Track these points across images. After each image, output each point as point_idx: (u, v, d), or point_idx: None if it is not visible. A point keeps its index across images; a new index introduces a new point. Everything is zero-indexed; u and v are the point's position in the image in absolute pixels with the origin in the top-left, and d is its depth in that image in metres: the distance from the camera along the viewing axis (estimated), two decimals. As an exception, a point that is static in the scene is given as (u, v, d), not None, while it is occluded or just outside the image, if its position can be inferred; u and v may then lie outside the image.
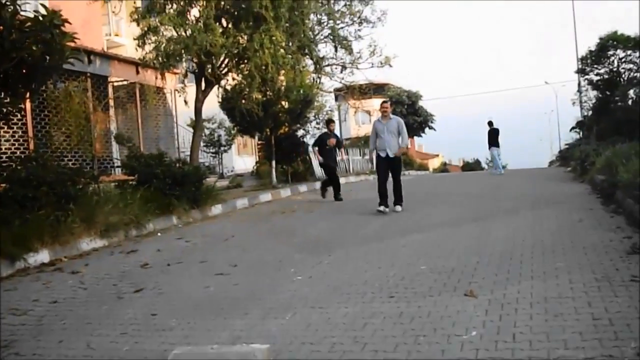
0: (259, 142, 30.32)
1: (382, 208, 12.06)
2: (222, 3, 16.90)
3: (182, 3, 16.24)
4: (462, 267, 6.73)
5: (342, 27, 25.38)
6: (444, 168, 52.65)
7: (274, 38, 16.10)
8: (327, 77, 26.34)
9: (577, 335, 4.32)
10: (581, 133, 29.14)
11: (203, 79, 17.98)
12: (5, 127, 12.93)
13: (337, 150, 16.87)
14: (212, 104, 20.48)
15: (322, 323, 5.15)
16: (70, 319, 5.85)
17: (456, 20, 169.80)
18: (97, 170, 14.99)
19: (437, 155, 63.42)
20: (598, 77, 24.34)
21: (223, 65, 18.04)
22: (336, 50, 25.51)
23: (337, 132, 27.54)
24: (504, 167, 26.51)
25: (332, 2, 24.93)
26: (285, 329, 5.11)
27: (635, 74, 23.33)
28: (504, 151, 24.79)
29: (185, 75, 18.99)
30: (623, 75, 23.51)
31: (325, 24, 24.75)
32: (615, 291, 5.28)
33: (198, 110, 18.10)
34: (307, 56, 20.94)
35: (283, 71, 18.57)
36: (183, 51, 16.06)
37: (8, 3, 8.82)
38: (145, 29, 16.10)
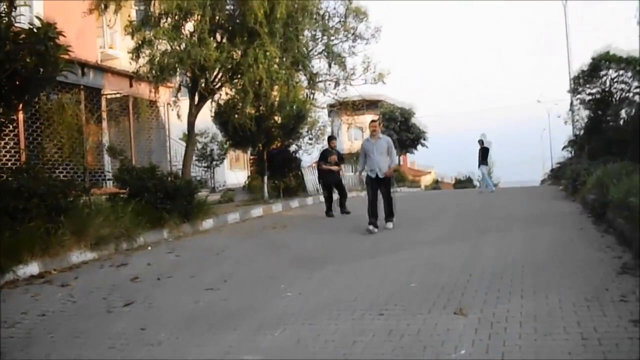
0: (251, 157, 30.32)
1: (371, 228, 11.91)
2: (217, 18, 16.97)
3: (176, 17, 16.28)
4: (453, 284, 6.73)
5: (336, 43, 25.47)
6: (436, 185, 52.70)
7: (268, 53, 16.15)
8: (320, 92, 26.38)
9: (566, 355, 4.33)
10: (573, 152, 29.20)
11: (196, 93, 18.02)
12: (-3, 138, 12.90)
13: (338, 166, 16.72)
14: (205, 118, 20.50)
15: (312, 339, 5.14)
16: (59, 332, 5.82)
17: (450, 38, 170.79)
18: (88, 183, 14.96)
19: (430, 172, 63.50)
20: (590, 97, 24.43)
21: (217, 80, 18.09)
22: (330, 66, 25.57)
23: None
24: (495, 185, 26.52)
25: (326, 18, 25.03)
26: (275, 344, 5.10)
27: (627, 94, 23.42)
28: (496, 169, 24.87)
29: (179, 89, 19.01)
30: (615, 95, 23.59)
31: (319, 39, 24.83)
32: (604, 311, 5.29)
33: (191, 124, 18.11)
34: (301, 71, 20.99)
35: (276, 86, 18.60)
36: (177, 65, 16.11)
37: (3, 15, 8.84)
38: (140, 42, 16.14)
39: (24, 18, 9.96)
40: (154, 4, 16.32)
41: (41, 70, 9.03)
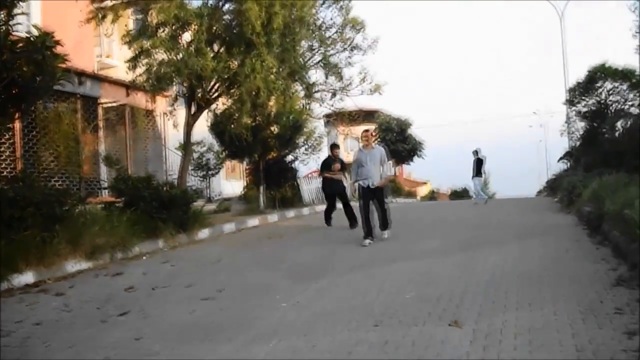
0: (248, 167, 30.32)
1: (367, 242, 11.77)
2: (214, 28, 17.02)
3: (174, 27, 16.33)
4: (448, 296, 6.73)
5: (333, 54, 25.57)
6: (432, 196, 52.71)
7: (265, 63, 16.19)
8: (317, 103, 26.46)
9: (560, 367, 4.33)
10: (569, 163, 29.29)
11: (193, 103, 18.05)
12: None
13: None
14: (201, 128, 20.51)
15: (307, 350, 5.14)
16: (54, 341, 5.81)
17: (447, 49, 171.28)
18: (84, 192, 14.97)
19: (426, 183, 63.49)
20: (586, 109, 24.52)
21: (214, 90, 18.13)
22: (327, 77, 25.68)
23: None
24: (491, 197, 26.52)
25: (323, 28, 25.12)
26: (271, 355, 5.10)
27: (623, 106, 23.52)
28: (492, 181, 24.91)
29: (176, 99, 19.04)
30: (611, 107, 23.69)
31: (316, 50, 24.92)
32: (599, 323, 5.30)
33: (187, 134, 18.13)
34: (298, 82, 21.05)
35: (273, 96, 18.63)
36: (174, 74, 16.13)
37: (1, 23, 8.86)
38: (137, 51, 16.17)
39: (22, 27, 9.97)
40: (152, 14, 16.37)
41: (38, 79, 9.05)
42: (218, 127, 19.68)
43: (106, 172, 17.74)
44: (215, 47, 17.44)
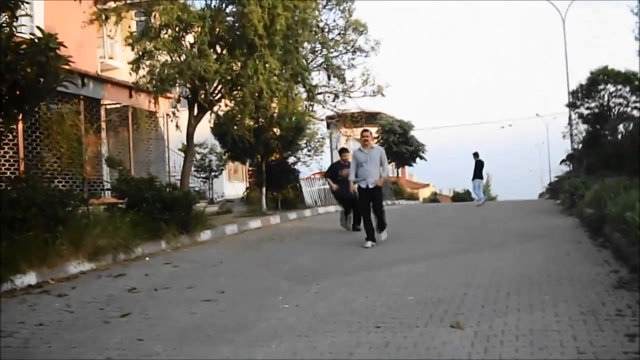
0: (250, 169, 30.37)
1: (369, 244, 11.73)
2: (217, 30, 17.04)
3: (177, 29, 16.34)
4: (449, 298, 6.75)
5: (335, 56, 25.61)
6: (434, 198, 52.74)
7: (268, 65, 16.20)
8: (319, 104, 26.49)
9: (561, 369, 4.34)
10: (571, 166, 29.29)
11: (196, 104, 18.06)
12: (-3, 148, 12.93)
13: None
14: (204, 129, 20.54)
15: (308, 352, 5.15)
16: (56, 342, 5.81)
17: (448, 51, 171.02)
18: (87, 193, 14.98)
19: (428, 185, 63.47)
20: (588, 111, 24.53)
21: (216, 91, 18.13)
22: (329, 79, 25.71)
23: (328, 160, 27.67)
24: (493, 198, 26.50)
25: (326, 31, 25.16)
26: (272, 357, 5.11)
27: (625, 109, 23.54)
28: (494, 182, 24.94)
29: (178, 100, 19.06)
30: (613, 110, 23.71)
31: (319, 52, 24.95)
32: (600, 325, 5.30)
33: (190, 136, 18.14)
34: (300, 84, 21.06)
35: (276, 98, 18.65)
36: (177, 76, 16.13)
37: (4, 25, 8.88)
38: (140, 53, 16.19)
39: (25, 28, 10.00)
40: (155, 16, 16.38)
41: (42, 80, 9.05)
42: (220, 129, 19.72)
43: (108, 173, 17.76)
44: (218, 49, 17.46)
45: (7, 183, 10.83)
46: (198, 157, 26.65)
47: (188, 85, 17.52)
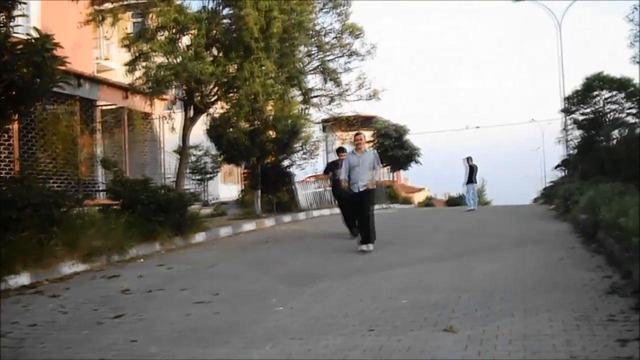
0: (245, 171, 30.35)
1: (365, 247, 11.51)
2: (213, 32, 17.05)
3: (173, 31, 16.34)
4: (444, 302, 6.77)
5: (331, 59, 25.59)
6: (429, 202, 52.74)
7: (264, 67, 16.21)
8: (315, 108, 26.47)
9: (554, 374, 4.36)
10: (566, 171, 29.37)
11: (191, 107, 18.06)
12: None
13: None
14: (199, 132, 20.53)
15: (302, 354, 5.16)
16: (50, 343, 5.81)
17: (444, 55, 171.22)
18: (81, 194, 14.94)
19: (423, 189, 63.49)
20: (583, 117, 24.64)
21: (212, 94, 18.14)
22: (325, 82, 25.67)
23: (323, 163, 27.68)
24: (488, 203, 26.54)
25: (322, 34, 25.14)
26: (266, 359, 5.11)
27: (620, 115, 23.65)
28: (489, 187, 24.99)
29: (174, 102, 19.06)
30: (608, 116, 23.82)
31: (314, 55, 24.94)
32: (593, 330, 5.33)
33: (185, 137, 18.14)
34: (296, 87, 21.05)
35: (271, 101, 18.65)
36: (172, 78, 16.13)
37: (1, 25, 8.88)
38: (136, 54, 16.18)
39: (22, 29, 9.99)
40: (151, 18, 16.39)
41: (38, 81, 9.06)
42: (216, 131, 19.71)
43: (103, 174, 17.75)
44: (214, 51, 17.45)
45: (2, 183, 10.81)
46: (193, 159, 26.61)
47: (184, 87, 17.52)
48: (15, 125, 13.55)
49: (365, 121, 36.33)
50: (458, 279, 8.33)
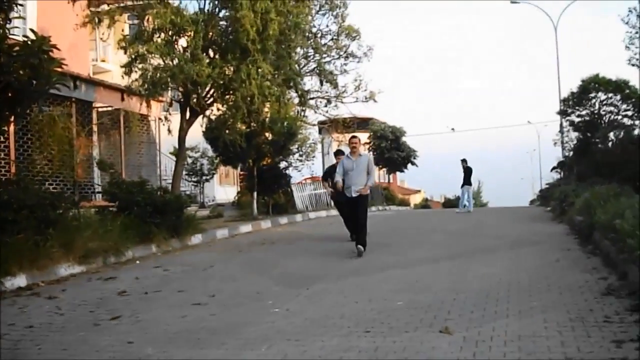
0: (241, 173, 30.35)
1: (357, 250, 11.33)
2: (210, 34, 17.05)
3: (170, 33, 16.35)
4: (439, 303, 6.79)
5: (328, 61, 25.65)
6: (425, 204, 52.82)
7: (260, 70, 16.22)
8: (311, 110, 26.52)
9: (549, 375, 4.37)
10: (562, 173, 29.41)
11: (188, 108, 18.06)
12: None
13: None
14: (196, 133, 20.51)
15: (298, 356, 5.17)
16: (46, 344, 5.82)
17: (444, 57, 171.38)
18: (78, 196, 14.94)
19: (419, 191, 63.58)
20: (579, 119, 24.67)
21: (208, 95, 18.15)
22: (321, 84, 25.74)
23: (320, 165, 27.65)
24: (484, 205, 26.52)
25: (319, 36, 25.21)
26: (261, 360, 5.13)
27: (616, 117, 23.70)
28: (485, 189, 25.02)
29: (170, 104, 19.05)
30: (604, 118, 23.86)
31: (311, 57, 24.99)
32: (588, 331, 5.35)
33: (181, 139, 18.13)
34: (293, 89, 21.08)
35: (268, 103, 18.65)
36: (169, 80, 16.14)
37: (-3, 27, 8.88)
38: (133, 56, 16.18)
39: (18, 31, 10.00)
40: (148, 19, 16.39)
41: (34, 83, 9.06)
42: (212, 133, 19.71)
43: (99, 176, 17.74)
44: (211, 53, 17.45)
45: (-2, 185, 10.81)
46: (189, 160, 26.62)
47: (180, 89, 17.52)
48: (12, 127, 13.53)
49: (362, 123, 36.38)
50: (454, 280, 8.35)
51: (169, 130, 18.27)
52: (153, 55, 16.21)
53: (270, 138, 20.76)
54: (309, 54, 24.84)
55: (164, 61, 16.33)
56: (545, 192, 31.94)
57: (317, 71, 25.01)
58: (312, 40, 24.05)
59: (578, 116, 24.72)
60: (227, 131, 18.65)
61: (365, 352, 5.14)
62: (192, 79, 15.87)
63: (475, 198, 28.12)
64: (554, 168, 30.67)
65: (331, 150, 37.91)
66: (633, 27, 21.31)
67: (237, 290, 8.45)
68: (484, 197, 66.97)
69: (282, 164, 23.52)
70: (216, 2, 17.34)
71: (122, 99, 18.54)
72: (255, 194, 21.25)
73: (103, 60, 26.30)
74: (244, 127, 19.09)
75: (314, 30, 24.47)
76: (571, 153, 26.16)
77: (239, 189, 30.80)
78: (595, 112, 24.05)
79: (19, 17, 10.14)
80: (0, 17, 9.09)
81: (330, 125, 30.61)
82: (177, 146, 19.32)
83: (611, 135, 23.08)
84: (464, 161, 24.60)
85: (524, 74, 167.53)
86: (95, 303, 7.72)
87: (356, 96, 26.54)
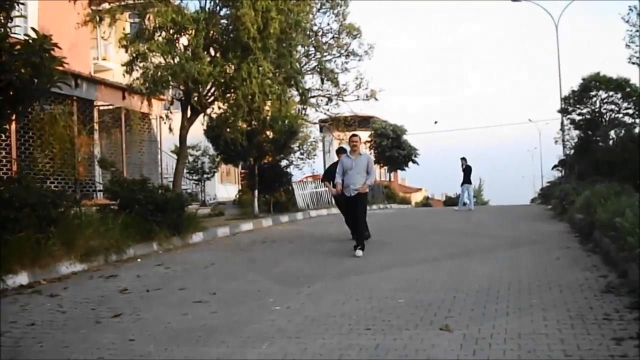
0: (242, 171, 30.37)
1: (359, 254, 11.21)
2: (211, 32, 17.05)
3: (171, 31, 16.36)
4: (439, 302, 6.80)
5: (329, 60, 25.63)
6: (427, 202, 52.82)
7: (261, 68, 16.22)
8: (312, 108, 26.50)
9: (548, 372, 4.39)
10: (563, 171, 29.42)
11: (189, 107, 18.07)
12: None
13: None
14: (197, 132, 20.53)
15: (298, 353, 5.19)
16: (48, 342, 5.84)
17: (442, 56, 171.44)
18: (79, 194, 14.96)
19: (420, 189, 63.60)
20: (580, 117, 24.68)
21: (209, 94, 18.16)
22: (322, 82, 25.72)
23: (321, 163, 27.63)
24: (485, 203, 26.50)
25: (319, 34, 25.18)
26: (263, 358, 5.14)
27: (617, 115, 23.70)
28: (486, 187, 25.00)
29: (172, 103, 19.06)
30: (605, 116, 23.87)
31: (312, 55, 24.97)
32: (588, 329, 5.37)
33: (183, 138, 18.15)
34: (294, 87, 21.07)
35: (269, 101, 18.65)
36: (170, 78, 16.16)
37: (-1, 26, 8.89)
38: (134, 55, 16.18)
39: (19, 29, 10.00)
40: (149, 18, 16.40)
41: (35, 81, 9.06)
42: (213, 131, 19.72)
43: (101, 174, 17.76)
44: (212, 52, 17.47)
45: (0, 183, 10.81)
46: (191, 159, 26.62)
47: (181, 88, 17.53)
48: (13, 126, 13.54)
49: (363, 121, 36.39)
50: (454, 278, 8.37)
51: (170, 129, 18.28)
52: (154, 53, 16.22)
53: (271, 136, 20.76)
54: (310, 52, 24.80)
55: (165, 59, 16.34)
56: (546, 190, 31.97)
57: (318, 69, 24.98)
58: (313, 39, 24.01)
59: (579, 114, 24.74)
60: (228, 129, 18.65)
61: (366, 350, 5.16)
62: (193, 77, 15.88)
63: (476, 196, 28.06)
64: (554, 166, 30.71)
65: (332, 149, 37.93)
66: (633, 26, 21.36)
67: (237, 288, 8.46)
68: (485, 195, 66.99)
69: (283, 162, 23.55)
70: (217, 1, 17.36)
71: (123, 98, 18.56)
72: (256, 192, 21.26)
73: (104, 59, 26.32)
74: (245, 126, 19.10)
75: (314, 28, 24.43)
76: (572, 151, 26.18)
77: (240, 187, 30.79)
78: (596, 110, 24.06)
79: (20, 16, 10.13)
80: (1, 15, 9.09)
81: (331, 124, 30.60)
82: (178, 144, 19.33)
83: (612, 133, 23.12)
84: (463, 160, 24.59)
85: (525, 72, 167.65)
86: (97, 301, 7.74)
87: (357, 94, 26.53)
